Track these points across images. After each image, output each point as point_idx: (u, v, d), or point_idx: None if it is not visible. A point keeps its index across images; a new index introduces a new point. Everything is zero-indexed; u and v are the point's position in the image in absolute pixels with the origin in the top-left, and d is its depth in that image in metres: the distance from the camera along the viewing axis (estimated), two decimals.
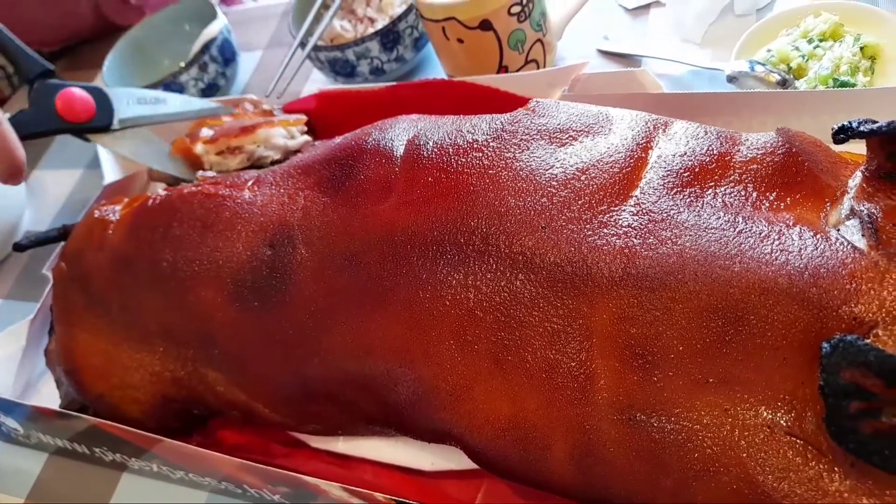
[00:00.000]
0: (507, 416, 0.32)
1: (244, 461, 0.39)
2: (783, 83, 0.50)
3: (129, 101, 0.51)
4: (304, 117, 0.54)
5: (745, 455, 0.28)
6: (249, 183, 0.43)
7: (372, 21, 0.62)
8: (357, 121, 0.46)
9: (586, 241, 0.32)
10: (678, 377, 0.29)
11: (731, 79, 0.51)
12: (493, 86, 0.50)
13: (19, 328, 0.55)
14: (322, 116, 0.55)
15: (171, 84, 0.66)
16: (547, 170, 0.34)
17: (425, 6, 0.53)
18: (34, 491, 0.53)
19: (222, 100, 0.60)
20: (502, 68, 0.56)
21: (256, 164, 0.51)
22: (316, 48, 0.62)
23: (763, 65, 0.51)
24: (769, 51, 0.52)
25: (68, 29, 0.87)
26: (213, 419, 0.48)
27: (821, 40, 0.51)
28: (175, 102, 0.53)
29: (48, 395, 0.55)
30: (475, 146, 0.37)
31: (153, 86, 0.66)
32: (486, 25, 0.53)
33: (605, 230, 0.32)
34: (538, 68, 0.57)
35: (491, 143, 0.36)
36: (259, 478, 0.40)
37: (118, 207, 0.48)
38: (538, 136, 0.36)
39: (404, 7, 0.60)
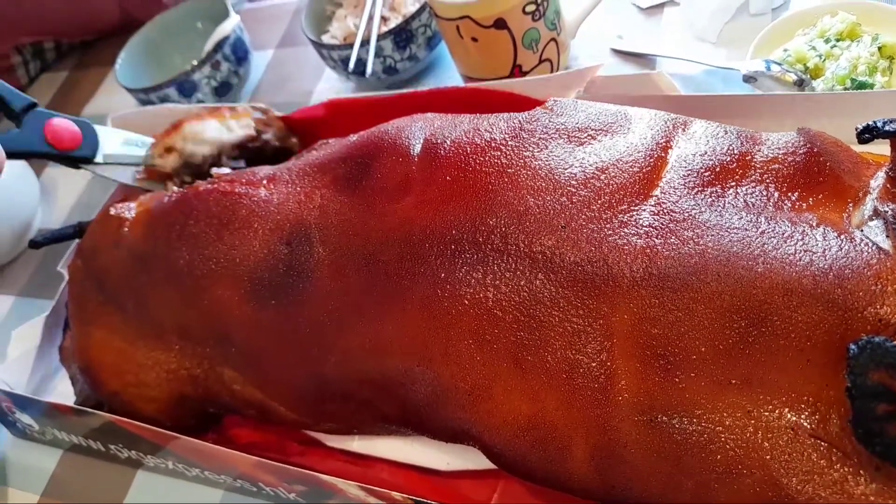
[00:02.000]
0: (526, 415, 0.32)
1: (261, 459, 0.39)
2: (800, 83, 0.50)
3: (115, 140, 0.53)
4: (249, 110, 0.54)
5: (768, 457, 0.28)
6: (265, 181, 0.43)
7: (385, 20, 0.62)
8: (369, 126, 0.46)
9: (607, 240, 0.32)
10: (700, 378, 0.29)
11: (748, 78, 0.51)
12: (506, 90, 0.50)
13: (34, 325, 0.56)
14: (331, 124, 0.55)
15: (183, 82, 0.66)
16: (566, 169, 0.34)
17: (439, 5, 0.53)
18: (49, 488, 0.53)
19: (231, 107, 0.60)
20: (516, 67, 0.55)
21: (189, 160, 0.51)
22: (328, 46, 0.62)
23: (780, 64, 0.51)
24: (786, 50, 0.51)
25: (90, 23, 0.87)
26: (227, 417, 0.48)
27: (838, 40, 0.51)
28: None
29: (63, 392, 0.55)
30: (493, 145, 0.37)
31: (166, 84, 0.66)
32: (500, 24, 0.52)
33: (626, 230, 0.32)
34: (552, 67, 0.57)
35: (509, 142, 0.36)
36: (275, 476, 0.40)
37: (133, 205, 0.48)
38: (557, 135, 0.36)
39: (417, 6, 0.60)
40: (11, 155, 0.48)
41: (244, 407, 0.43)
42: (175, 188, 0.46)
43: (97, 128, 0.52)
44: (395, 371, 0.35)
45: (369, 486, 0.36)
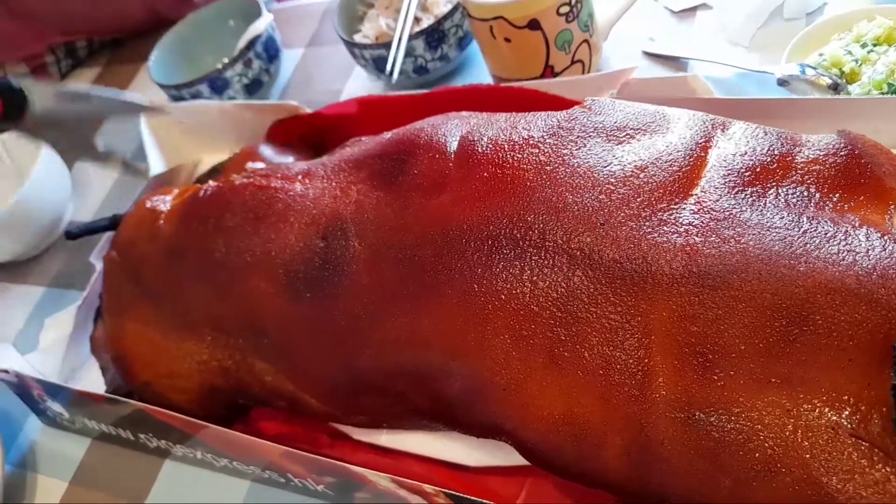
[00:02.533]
0: (561, 411, 0.32)
1: (291, 449, 0.39)
2: (835, 87, 0.50)
3: (45, 99, 0.51)
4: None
5: (808, 456, 0.27)
6: (300, 176, 0.44)
7: (417, 20, 0.62)
8: (401, 125, 0.46)
9: (646, 238, 0.32)
10: (739, 376, 0.29)
11: (782, 82, 0.51)
12: (539, 90, 0.50)
13: (66, 314, 0.56)
14: (363, 121, 0.55)
15: (215, 79, 0.67)
16: (605, 167, 0.34)
17: (473, 5, 0.53)
18: (77, 475, 0.53)
19: (265, 104, 0.61)
20: (548, 68, 0.56)
21: None
22: (360, 46, 0.62)
23: (814, 68, 0.50)
24: (821, 55, 0.51)
25: (117, 22, 0.89)
26: (255, 410, 0.48)
27: (875, 45, 0.50)
28: (98, 100, 0.53)
29: (92, 382, 0.55)
30: (531, 142, 0.37)
31: (198, 81, 0.67)
32: (534, 25, 0.53)
33: (666, 228, 0.32)
34: (584, 69, 0.57)
35: (547, 140, 0.37)
36: (305, 467, 0.40)
37: (168, 198, 0.49)
38: (595, 134, 0.36)
39: (450, 6, 0.61)
40: None
41: (275, 398, 0.44)
42: (211, 182, 0.47)
43: (26, 86, 0.50)
44: (430, 365, 0.36)
45: (401, 479, 0.36)
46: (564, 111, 0.38)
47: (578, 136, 0.36)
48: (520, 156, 0.36)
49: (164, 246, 0.46)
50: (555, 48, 0.54)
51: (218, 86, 0.67)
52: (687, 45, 0.59)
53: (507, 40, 0.54)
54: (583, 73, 0.57)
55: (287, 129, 0.57)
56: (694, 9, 0.61)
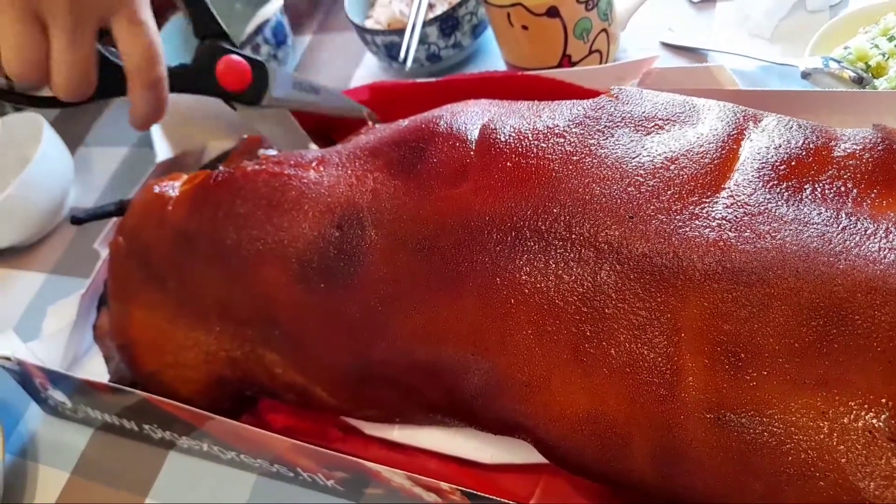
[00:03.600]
0: (585, 410, 0.31)
1: (303, 443, 0.38)
2: (859, 81, 0.49)
3: (285, 83, 0.50)
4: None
5: (843, 460, 0.27)
6: (314, 163, 0.43)
7: (431, 6, 0.61)
8: (413, 113, 0.45)
9: (677, 232, 0.31)
10: (773, 377, 0.28)
11: (806, 75, 0.50)
12: (558, 78, 0.49)
13: (69, 302, 0.55)
14: (375, 109, 0.54)
15: None
16: (633, 158, 0.33)
17: None
18: (79, 466, 0.52)
19: None
20: (565, 57, 0.54)
21: None
22: (372, 32, 0.61)
23: (838, 62, 0.49)
24: (846, 48, 0.50)
25: None
26: (263, 402, 0.47)
27: None
28: (326, 96, 0.52)
29: (94, 371, 0.54)
30: (556, 132, 0.36)
31: None
32: (552, 12, 0.51)
33: (697, 222, 0.31)
34: (601, 59, 0.56)
35: (573, 129, 0.35)
36: (316, 461, 0.39)
37: (177, 184, 0.47)
38: (622, 124, 0.35)
39: None
40: (178, 90, 0.46)
41: (284, 391, 0.43)
42: (221, 167, 0.46)
43: (269, 67, 0.49)
44: (448, 359, 0.35)
45: (417, 476, 0.35)
46: (590, 100, 0.37)
47: (606, 126, 0.35)
48: (544, 145, 0.35)
49: (173, 232, 0.45)
50: (573, 37, 0.53)
51: None
52: (706, 36, 0.58)
53: (525, 28, 0.53)
54: (601, 62, 0.56)
55: (297, 117, 0.56)
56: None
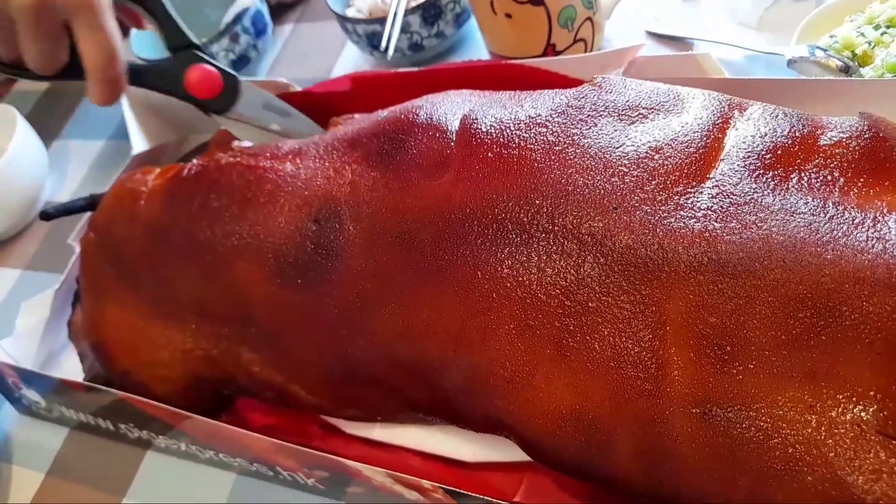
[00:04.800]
0: (568, 406, 0.30)
1: (284, 443, 0.37)
2: (846, 70, 0.48)
3: (254, 101, 0.50)
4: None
5: (832, 454, 0.26)
6: (290, 155, 0.42)
7: None
8: (395, 103, 0.44)
9: (661, 223, 0.30)
10: (759, 370, 0.27)
11: (792, 63, 0.49)
12: (542, 68, 0.48)
13: (43, 298, 0.54)
14: (357, 100, 0.53)
15: None
16: (617, 148, 0.33)
17: None
18: (54, 466, 0.51)
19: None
20: (550, 47, 0.53)
21: None
22: (353, 21, 0.60)
23: (824, 50, 0.49)
24: (832, 36, 0.49)
25: None
26: (242, 401, 0.46)
27: (888, 26, 0.49)
28: (299, 121, 0.52)
29: (70, 368, 0.53)
30: (538, 121, 0.35)
31: None
32: (537, 0, 0.50)
33: (682, 212, 0.30)
34: (586, 47, 0.55)
35: (555, 119, 0.35)
36: (296, 460, 0.38)
37: (150, 177, 0.46)
38: (606, 113, 0.34)
39: None
40: (141, 84, 0.47)
41: (262, 389, 0.42)
42: (195, 160, 0.44)
43: (243, 82, 0.50)
44: (429, 355, 0.34)
45: (398, 474, 0.34)
46: (573, 89, 0.36)
47: (588, 115, 0.34)
48: (526, 135, 0.34)
49: (146, 227, 0.44)
50: (557, 25, 0.52)
51: None
52: (692, 25, 0.57)
53: (508, 16, 0.52)
54: (585, 51, 0.55)
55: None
56: None
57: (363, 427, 0.42)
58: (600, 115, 0.34)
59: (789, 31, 0.51)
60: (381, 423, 0.41)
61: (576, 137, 0.33)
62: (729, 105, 0.34)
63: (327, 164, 0.40)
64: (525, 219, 0.32)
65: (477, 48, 0.62)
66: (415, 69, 0.51)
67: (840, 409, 0.26)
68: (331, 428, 0.43)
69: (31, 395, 0.51)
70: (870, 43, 0.48)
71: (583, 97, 0.35)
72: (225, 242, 0.40)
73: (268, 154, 0.42)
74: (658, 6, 0.59)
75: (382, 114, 0.42)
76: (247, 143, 0.47)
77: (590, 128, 0.34)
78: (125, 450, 0.49)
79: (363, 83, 0.53)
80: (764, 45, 0.53)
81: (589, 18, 0.53)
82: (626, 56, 0.46)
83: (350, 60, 0.68)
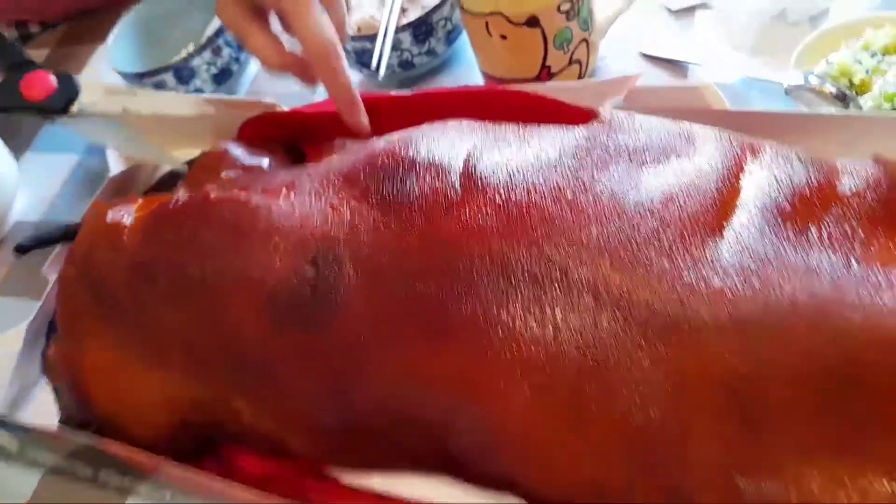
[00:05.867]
0: (586, 473, 0.29)
1: (274, 499, 0.35)
2: (843, 98, 0.48)
3: (97, 91, 0.50)
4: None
5: None
6: (284, 188, 0.39)
7: (404, 11, 0.58)
8: (386, 128, 0.42)
9: (681, 279, 0.29)
10: (786, 440, 0.26)
11: (789, 91, 0.48)
12: (539, 93, 0.46)
13: (14, 331, 0.51)
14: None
15: (182, 69, 0.61)
16: (630, 194, 0.31)
17: None
18: None
19: (235, 101, 0.56)
20: (545, 68, 0.52)
21: None
22: None
23: (819, 77, 0.48)
24: (829, 63, 0.49)
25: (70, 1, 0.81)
26: (233, 446, 0.44)
27: (884, 54, 0.48)
28: (145, 101, 0.50)
29: (44, 403, 0.50)
30: (547, 164, 0.33)
31: (162, 70, 0.61)
32: (532, 22, 0.49)
33: (701, 267, 0.29)
34: (581, 69, 0.54)
35: (564, 161, 0.33)
36: None
37: (132, 209, 0.44)
38: (617, 155, 0.33)
39: None
40: None
41: (254, 437, 0.40)
42: (182, 192, 0.42)
43: (78, 79, 0.49)
44: (436, 410, 0.32)
45: None
46: (582, 127, 0.35)
47: (599, 157, 0.33)
48: (534, 179, 0.33)
49: (130, 263, 0.41)
50: (553, 47, 0.51)
51: (184, 75, 0.62)
52: (687, 46, 0.56)
53: (503, 37, 0.50)
54: (580, 73, 0.54)
55: (262, 128, 0.52)
56: (692, 8, 0.58)
57: (362, 476, 0.40)
58: (612, 158, 0.33)
59: (785, 53, 0.50)
60: (381, 472, 0.39)
61: (587, 182, 0.32)
62: (741, 147, 0.33)
63: (324, 200, 0.38)
64: (538, 271, 0.30)
65: (468, 66, 0.60)
66: (407, 92, 0.49)
67: (871, 484, 0.25)
68: (327, 476, 0.41)
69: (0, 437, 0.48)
70: (867, 71, 0.47)
71: (592, 137, 0.34)
72: (215, 283, 0.38)
73: (259, 188, 0.40)
74: (651, 26, 0.58)
75: (379, 144, 0.40)
76: (233, 173, 0.45)
77: (601, 171, 0.33)
78: (103, 498, 0.47)
79: None
80: (759, 67, 0.52)
81: (584, 40, 0.52)
82: (625, 84, 0.45)
83: None
